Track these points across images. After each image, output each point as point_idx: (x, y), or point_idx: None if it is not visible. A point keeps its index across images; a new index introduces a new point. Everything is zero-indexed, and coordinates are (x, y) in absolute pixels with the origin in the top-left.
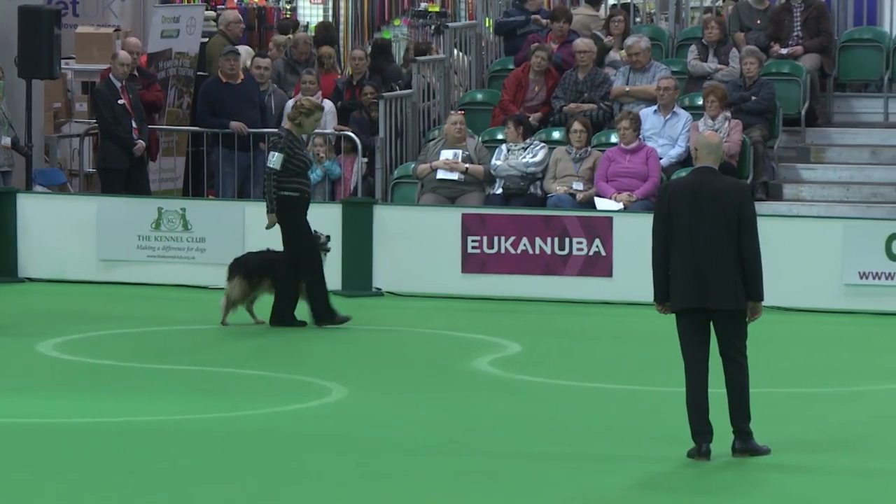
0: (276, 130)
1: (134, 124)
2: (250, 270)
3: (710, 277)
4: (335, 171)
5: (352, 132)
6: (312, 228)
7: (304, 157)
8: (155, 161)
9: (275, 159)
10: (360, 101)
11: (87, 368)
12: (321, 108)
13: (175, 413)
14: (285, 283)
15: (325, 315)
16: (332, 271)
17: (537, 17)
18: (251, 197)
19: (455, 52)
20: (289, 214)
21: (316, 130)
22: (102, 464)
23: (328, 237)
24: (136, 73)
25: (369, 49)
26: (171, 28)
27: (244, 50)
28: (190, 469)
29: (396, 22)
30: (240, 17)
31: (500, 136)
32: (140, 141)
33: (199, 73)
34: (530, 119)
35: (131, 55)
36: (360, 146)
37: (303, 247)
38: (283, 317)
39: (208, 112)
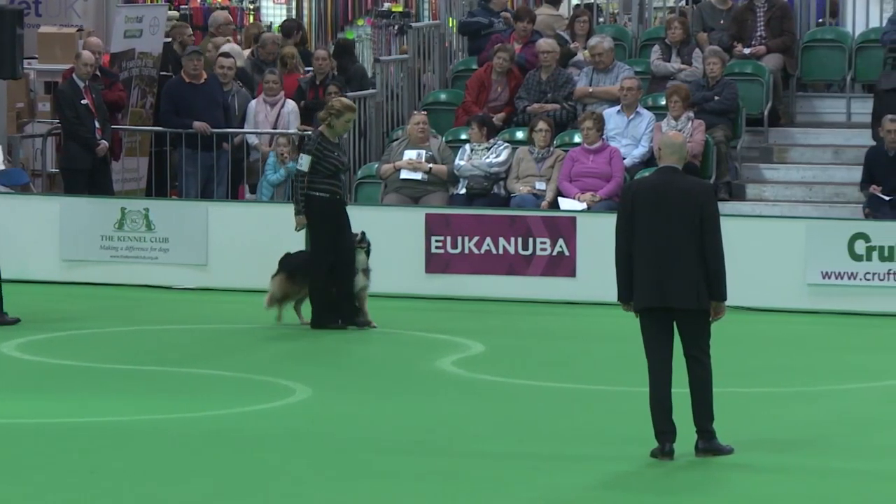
0: (241, 130)
1: (97, 124)
2: (294, 269)
3: (673, 277)
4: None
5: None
6: (352, 229)
7: (335, 160)
8: (118, 161)
9: (302, 161)
10: (323, 101)
11: (50, 369)
12: (352, 109)
13: (138, 413)
14: (313, 284)
15: (322, 320)
16: None
17: (507, 14)
18: (214, 197)
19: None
20: (315, 215)
21: (278, 130)
22: (65, 464)
23: (362, 235)
24: (98, 73)
25: (332, 49)
26: (133, 28)
27: (233, 49)
28: (153, 469)
29: (360, 22)
30: (230, 17)
31: (463, 137)
32: (103, 141)
33: (162, 72)
34: (493, 119)
35: (94, 55)
36: None
37: (323, 249)
38: (318, 319)
39: (171, 112)
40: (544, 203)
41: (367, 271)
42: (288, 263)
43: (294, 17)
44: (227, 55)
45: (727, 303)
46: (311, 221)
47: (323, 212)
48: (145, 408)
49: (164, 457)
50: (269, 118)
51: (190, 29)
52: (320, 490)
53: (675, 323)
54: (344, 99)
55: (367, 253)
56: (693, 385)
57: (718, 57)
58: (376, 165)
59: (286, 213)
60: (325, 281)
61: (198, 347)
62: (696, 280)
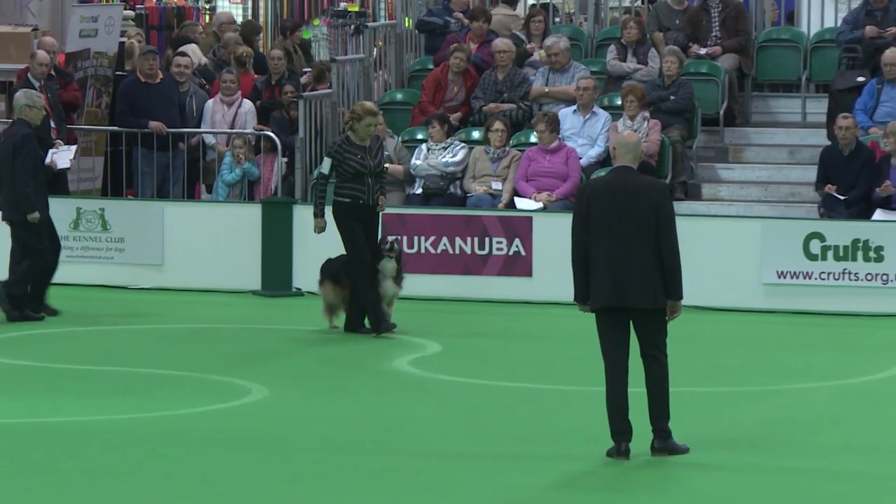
0: (197, 130)
1: (52, 124)
2: (336, 272)
3: (629, 276)
4: (254, 173)
5: (271, 132)
6: (380, 234)
7: (356, 163)
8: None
9: (323, 164)
10: (279, 101)
11: (4, 369)
12: (372, 113)
13: (94, 414)
14: (357, 287)
15: (354, 324)
16: (251, 271)
17: (460, 15)
18: (170, 197)
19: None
20: (338, 220)
21: (235, 130)
22: (20, 465)
23: (390, 243)
24: (53, 72)
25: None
26: (89, 28)
27: (192, 49)
28: (109, 469)
29: (316, 22)
30: (233, 18)
31: (419, 136)
32: (58, 141)
33: (117, 72)
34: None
35: (49, 54)
36: (279, 146)
37: (355, 251)
38: (350, 322)
39: (127, 112)
40: (501, 203)
41: (398, 279)
42: (330, 269)
43: (250, 17)
44: (183, 54)
45: (683, 302)
46: (337, 226)
47: (345, 216)
48: (100, 408)
49: (118, 457)
50: (227, 118)
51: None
52: (276, 490)
53: (631, 322)
54: (367, 103)
55: (398, 260)
56: (649, 384)
57: (676, 56)
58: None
59: (242, 213)
60: (369, 283)
61: (154, 347)
62: (652, 279)
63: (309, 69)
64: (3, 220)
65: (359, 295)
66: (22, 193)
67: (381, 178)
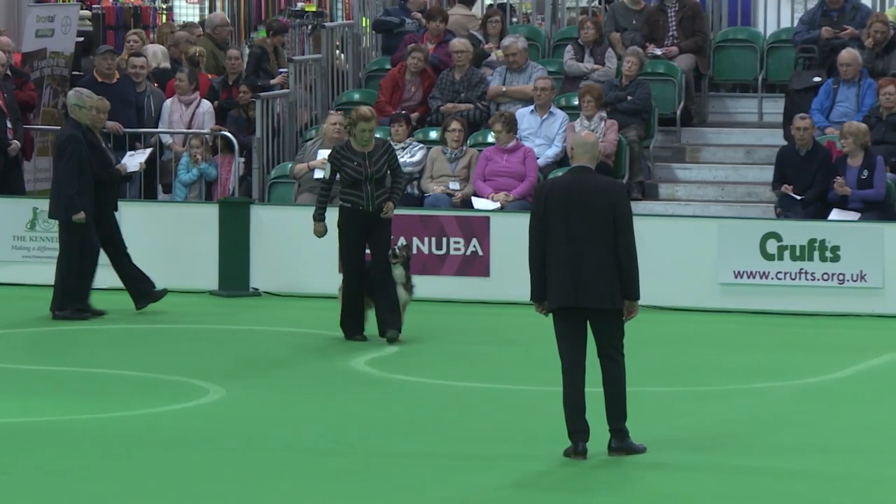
0: (154, 130)
1: (9, 124)
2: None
3: (586, 277)
4: (211, 174)
5: (229, 132)
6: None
7: (352, 169)
8: (30, 161)
9: (323, 169)
10: (236, 102)
11: None
12: (365, 119)
13: (50, 414)
14: (342, 292)
15: (345, 330)
16: (209, 272)
17: (418, 15)
18: (126, 197)
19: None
20: (338, 225)
21: (192, 130)
22: None
23: (395, 249)
24: (9, 72)
25: (246, 49)
26: (45, 27)
27: (155, 50)
28: (66, 470)
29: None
30: (227, 20)
31: (377, 136)
32: (15, 141)
33: (74, 72)
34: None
35: (4, 54)
36: (236, 146)
37: (345, 258)
38: (344, 329)
39: None
40: (456, 197)
41: (408, 285)
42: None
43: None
44: (138, 55)
45: (640, 302)
46: (338, 231)
47: (344, 222)
48: (56, 409)
49: (75, 458)
50: (184, 118)
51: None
52: (233, 491)
53: (588, 322)
54: (362, 108)
55: (405, 266)
56: (606, 384)
57: (637, 57)
58: (290, 165)
59: (199, 213)
60: (354, 292)
61: (110, 348)
62: (609, 280)
63: (285, 70)
64: (49, 217)
65: (348, 301)
66: (66, 194)
67: (382, 185)
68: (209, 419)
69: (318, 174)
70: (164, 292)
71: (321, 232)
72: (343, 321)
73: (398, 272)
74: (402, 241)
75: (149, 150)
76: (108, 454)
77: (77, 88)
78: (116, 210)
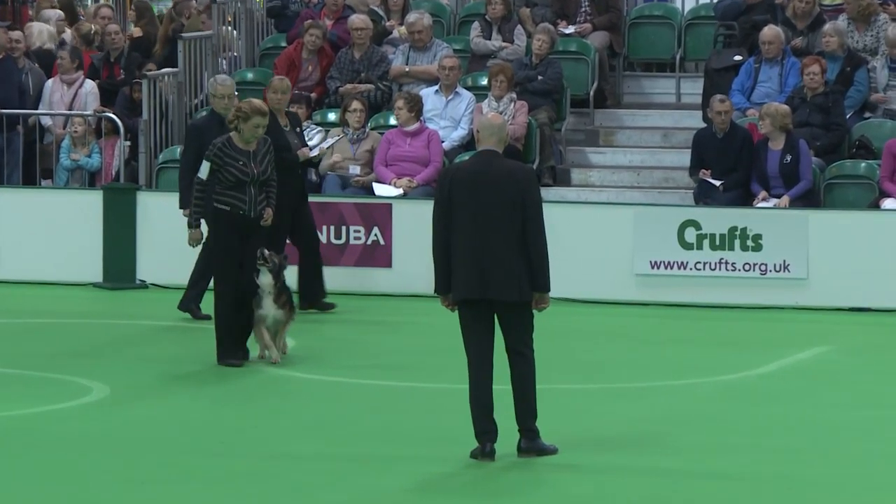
0: (33, 112)
1: None
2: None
3: (493, 267)
4: (93, 165)
5: (113, 114)
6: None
7: (237, 169)
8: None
9: (202, 168)
10: (117, 82)
11: None
12: (262, 113)
13: None
14: (215, 311)
15: (222, 354)
16: (92, 263)
17: None
18: (5, 183)
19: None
20: (212, 230)
21: (74, 112)
22: None
23: (264, 251)
24: None
25: (132, 25)
26: None
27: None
28: None
29: None
30: None
31: None
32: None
33: None
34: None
35: None
36: (122, 128)
37: (220, 268)
38: (219, 353)
39: None
40: (355, 180)
41: (280, 298)
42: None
43: None
44: (14, 29)
45: (551, 294)
46: (212, 236)
47: (222, 226)
48: None
49: None
50: (65, 99)
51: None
52: (121, 495)
53: (496, 316)
54: (255, 101)
55: (276, 274)
56: (515, 381)
57: (548, 35)
58: (179, 149)
59: (82, 200)
60: (231, 307)
61: None
62: (518, 270)
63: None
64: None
65: (224, 320)
66: (181, 188)
67: (267, 187)
68: (92, 420)
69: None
70: (333, 306)
71: (197, 240)
72: (218, 343)
73: (265, 280)
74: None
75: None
76: None
77: (217, 75)
78: (306, 199)
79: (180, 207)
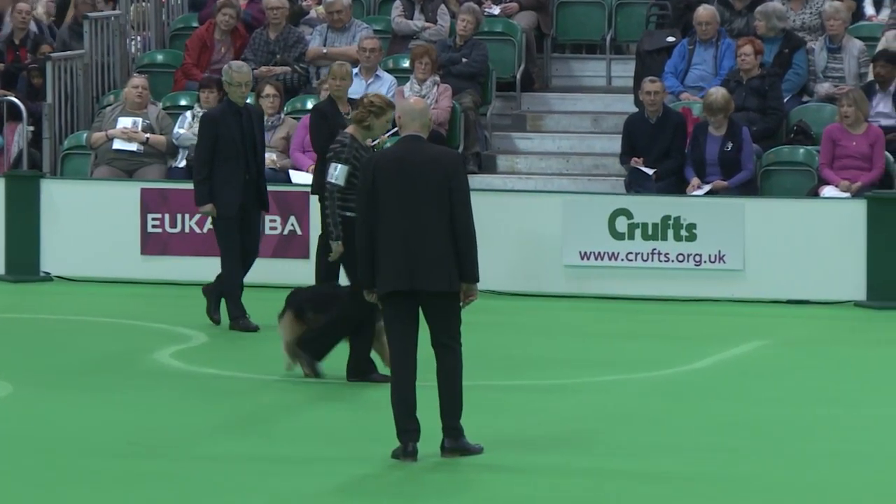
0: None
1: None
2: (303, 305)
3: (419, 257)
4: None
5: (15, 97)
6: None
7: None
8: None
9: (338, 173)
10: (23, 65)
11: None
12: (394, 107)
13: None
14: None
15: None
16: None
17: None
18: None
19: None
20: (343, 242)
21: None
22: None
23: None
24: None
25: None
26: None
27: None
28: None
29: None
30: None
31: (183, 102)
32: None
33: None
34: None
35: None
36: (24, 113)
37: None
38: (357, 366)
39: None
40: (271, 161)
41: None
42: (295, 300)
43: None
44: None
45: (479, 286)
46: (348, 249)
47: (350, 237)
48: None
49: None
50: None
51: None
52: (16, 498)
53: (421, 308)
54: (383, 95)
55: None
56: (441, 377)
57: (473, 15)
58: (85, 134)
59: None
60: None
61: None
62: (445, 260)
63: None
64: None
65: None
66: (195, 182)
67: None
68: None
69: (124, 146)
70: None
71: (342, 252)
72: (364, 363)
73: None
74: None
75: None
76: None
77: (232, 61)
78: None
79: (197, 205)
